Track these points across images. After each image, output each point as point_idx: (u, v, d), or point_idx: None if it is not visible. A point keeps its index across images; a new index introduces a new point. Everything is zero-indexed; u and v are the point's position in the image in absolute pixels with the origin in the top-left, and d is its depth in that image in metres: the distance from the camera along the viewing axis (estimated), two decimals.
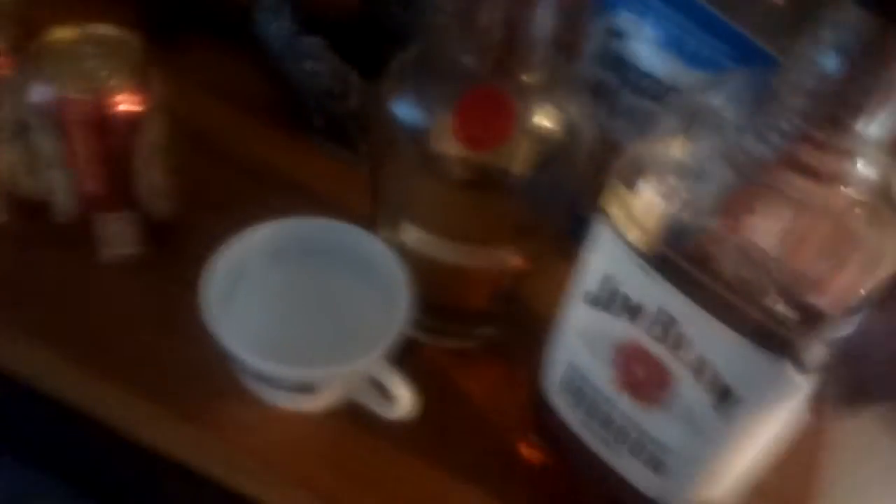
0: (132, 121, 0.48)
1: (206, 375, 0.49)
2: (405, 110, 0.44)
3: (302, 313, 0.50)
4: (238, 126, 0.64)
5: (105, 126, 0.48)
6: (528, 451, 0.48)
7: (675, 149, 0.35)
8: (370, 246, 0.49)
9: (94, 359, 0.50)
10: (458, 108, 0.41)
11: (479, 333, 0.54)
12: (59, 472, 0.70)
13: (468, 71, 0.41)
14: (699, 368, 0.35)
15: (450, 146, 0.43)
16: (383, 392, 0.46)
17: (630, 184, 0.35)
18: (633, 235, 0.35)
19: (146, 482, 0.61)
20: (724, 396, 0.34)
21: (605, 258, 0.37)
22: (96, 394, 0.50)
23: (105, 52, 0.48)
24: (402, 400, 0.45)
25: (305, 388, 0.46)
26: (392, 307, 0.47)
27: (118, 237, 0.53)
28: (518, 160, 0.43)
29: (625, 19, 0.48)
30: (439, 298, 0.50)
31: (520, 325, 0.53)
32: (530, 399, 0.46)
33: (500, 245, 0.47)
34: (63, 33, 0.48)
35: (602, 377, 0.40)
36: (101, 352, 0.50)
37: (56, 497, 0.74)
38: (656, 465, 0.39)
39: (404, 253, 0.48)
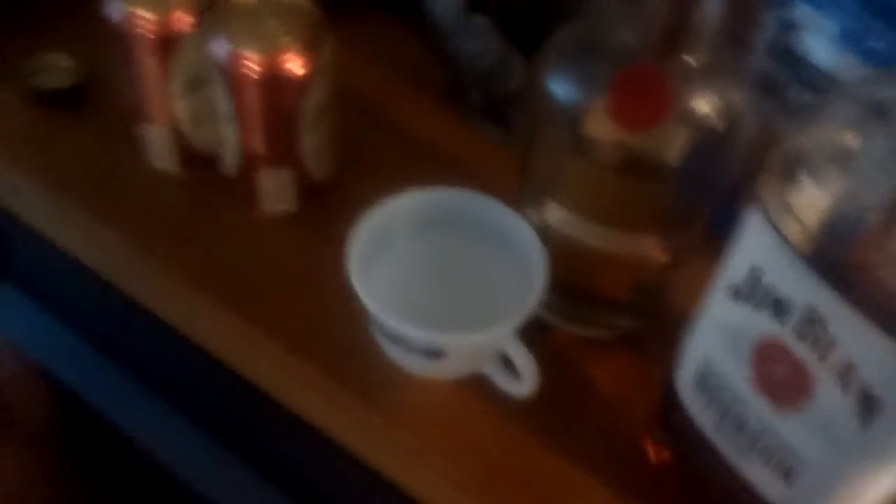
0: (300, 82, 0.50)
1: (346, 335, 0.51)
2: (561, 88, 0.44)
3: (439, 281, 0.51)
4: (399, 97, 0.66)
5: (273, 85, 0.50)
6: (654, 448, 0.47)
7: (845, 141, 0.33)
8: (512, 222, 0.49)
9: (241, 305, 0.52)
10: (614, 86, 0.40)
11: (613, 323, 0.53)
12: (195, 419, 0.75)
13: (628, 49, 0.41)
14: (845, 374, 0.33)
15: (603, 128, 0.43)
16: (510, 367, 0.46)
17: (790, 175, 0.34)
18: (789, 228, 0.34)
19: (272, 428, 0.64)
20: (871, 408, 0.32)
21: (755, 250, 0.36)
22: (239, 341, 0.53)
23: (283, 16, 0.51)
24: (529, 376, 0.45)
25: (435, 353, 0.46)
26: (527, 284, 0.47)
27: (278, 193, 0.56)
28: (672, 147, 0.42)
29: (801, 11, 0.46)
30: (576, 283, 0.49)
31: (656, 319, 0.52)
32: (660, 394, 0.45)
33: (644, 233, 0.46)
34: None
35: (738, 376, 0.38)
36: (249, 299, 0.53)
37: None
38: (787, 474, 0.37)
39: (546, 233, 0.48)
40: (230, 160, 0.55)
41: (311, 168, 0.55)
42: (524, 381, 0.45)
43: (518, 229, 0.49)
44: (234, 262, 0.55)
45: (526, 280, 0.47)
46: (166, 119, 0.55)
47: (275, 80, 0.50)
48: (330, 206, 0.57)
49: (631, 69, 0.40)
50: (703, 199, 0.46)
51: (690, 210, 0.46)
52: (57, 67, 0.62)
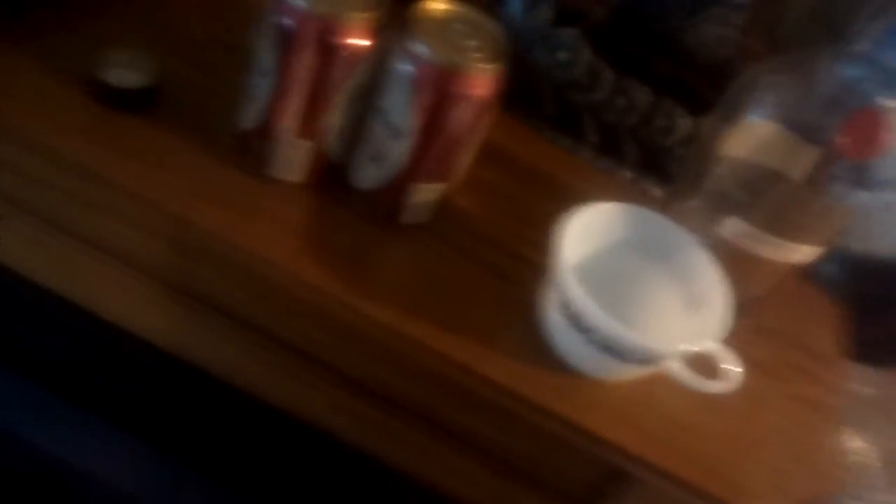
0: (487, 103, 0.50)
1: (501, 339, 0.53)
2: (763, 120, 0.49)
3: (609, 291, 0.54)
4: None
5: (465, 102, 0.49)
6: None
7: None
8: (678, 238, 0.54)
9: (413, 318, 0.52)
10: (850, 124, 0.47)
11: None
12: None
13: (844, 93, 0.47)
14: None
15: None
16: (705, 369, 0.51)
17: None
18: None
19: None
20: None
21: None
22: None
23: (473, 32, 0.50)
24: (734, 377, 0.50)
25: (646, 361, 0.50)
26: (692, 295, 0.52)
27: (422, 207, 0.54)
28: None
29: None
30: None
31: None
32: None
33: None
34: (436, 5, 0.49)
35: None
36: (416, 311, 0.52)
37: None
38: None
39: (718, 246, 0.53)
40: (376, 174, 0.53)
41: (455, 184, 0.55)
42: (727, 382, 0.51)
43: (683, 244, 0.54)
44: (372, 273, 0.54)
45: (687, 289, 0.52)
46: (313, 131, 0.51)
47: (466, 99, 0.49)
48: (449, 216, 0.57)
49: (863, 111, 0.47)
50: None
51: None
52: (130, 65, 0.54)
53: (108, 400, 0.78)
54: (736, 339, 0.51)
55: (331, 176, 0.55)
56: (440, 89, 0.48)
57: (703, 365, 0.51)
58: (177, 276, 0.57)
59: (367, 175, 0.53)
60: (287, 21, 0.46)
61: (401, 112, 0.49)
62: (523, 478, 0.62)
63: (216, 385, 0.65)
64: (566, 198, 0.54)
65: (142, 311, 0.62)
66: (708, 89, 0.61)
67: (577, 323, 0.49)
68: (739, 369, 0.50)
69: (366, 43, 0.48)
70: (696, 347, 0.49)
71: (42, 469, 0.87)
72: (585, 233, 0.53)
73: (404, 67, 0.48)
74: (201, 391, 0.68)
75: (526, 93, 0.66)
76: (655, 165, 0.65)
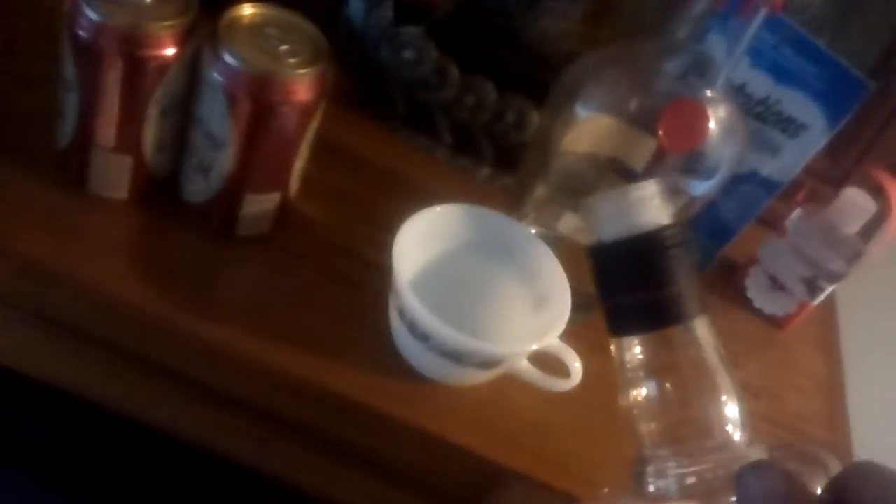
0: (310, 107, 0.49)
1: (351, 350, 0.51)
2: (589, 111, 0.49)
3: (453, 295, 0.53)
4: None
5: (284, 109, 0.48)
6: None
7: None
8: (519, 235, 0.53)
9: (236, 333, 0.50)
10: (666, 114, 0.47)
11: None
12: None
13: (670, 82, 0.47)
14: None
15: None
16: (550, 367, 0.51)
17: None
18: None
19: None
20: None
21: None
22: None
23: (288, 36, 0.48)
24: (577, 374, 0.50)
25: (488, 365, 0.49)
26: (536, 293, 0.51)
27: (257, 219, 0.53)
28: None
29: None
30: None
31: None
32: None
33: None
34: (247, 10, 0.48)
35: None
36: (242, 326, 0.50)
37: None
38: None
39: (557, 242, 0.53)
40: (205, 186, 0.51)
41: (292, 193, 0.53)
42: (573, 378, 0.50)
43: (526, 242, 0.53)
44: (217, 290, 0.52)
45: (531, 288, 0.52)
46: (130, 145, 0.49)
47: (283, 104, 0.48)
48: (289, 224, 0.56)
49: (679, 101, 0.47)
50: None
51: None
52: None
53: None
54: (587, 331, 0.50)
55: (159, 191, 0.52)
56: (256, 97, 0.46)
57: (551, 363, 0.51)
58: (29, 301, 0.54)
59: (196, 188, 0.51)
60: (83, 34, 0.44)
61: (219, 122, 0.48)
62: (411, 484, 0.61)
63: (92, 411, 0.62)
64: (422, 199, 0.53)
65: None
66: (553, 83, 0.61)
67: (415, 330, 0.48)
68: (579, 365, 0.50)
69: (171, 52, 0.46)
70: (532, 347, 0.49)
71: None
72: (428, 236, 0.52)
73: (216, 77, 0.46)
74: (78, 416, 0.66)
75: (376, 94, 0.64)
76: (512, 162, 0.64)
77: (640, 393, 0.35)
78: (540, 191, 0.57)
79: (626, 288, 0.35)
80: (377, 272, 0.56)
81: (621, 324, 0.35)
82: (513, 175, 0.65)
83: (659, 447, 0.34)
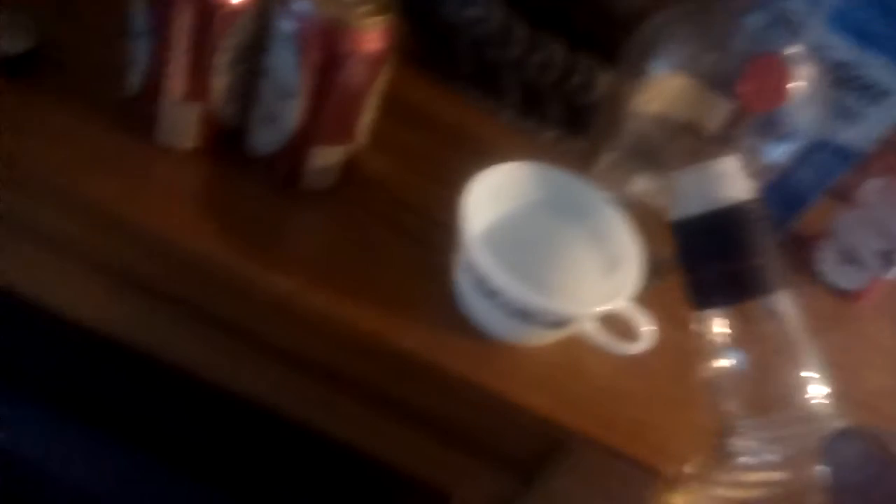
0: (380, 58, 0.48)
1: (416, 306, 0.51)
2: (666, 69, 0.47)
3: (521, 254, 0.52)
4: None
5: (354, 58, 0.47)
6: None
7: None
8: (591, 195, 0.52)
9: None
10: (748, 72, 0.45)
11: None
12: None
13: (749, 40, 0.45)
14: None
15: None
16: (618, 331, 0.49)
17: None
18: None
19: None
20: None
21: None
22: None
23: None
24: (647, 337, 0.49)
25: (557, 325, 0.48)
26: (608, 254, 0.50)
27: (324, 171, 0.52)
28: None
29: None
30: None
31: None
32: None
33: None
34: None
35: None
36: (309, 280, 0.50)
37: None
38: None
39: (629, 205, 0.51)
40: (273, 137, 0.50)
41: (359, 147, 0.53)
42: (642, 341, 0.49)
43: (598, 204, 0.52)
44: (278, 243, 0.51)
45: (602, 250, 0.51)
46: (199, 94, 0.49)
47: (355, 55, 0.47)
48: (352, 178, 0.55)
49: (762, 57, 0.45)
50: None
51: None
52: (7, 28, 0.51)
53: (46, 386, 0.76)
54: (659, 299, 0.49)
55: (227, 141, 0.52)
56: (326, 47, 0.45)
57: (620, 326, 0.49)
58: (93, 253, 0.54)
59: (263, 139, 0.51)
60: None
61: (288, 72, 0.47)
62: (468, 446, 0.60)
63: (152, 364, 0.62)
64: (487, 158, 0.52)
65: (64, 291, 0.60)
66: (627, 43, 0.59)
67: (483, 287, 0.47)
68: (653, 328, 0.48)
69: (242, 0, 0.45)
70: (605, 307, 0.48)
71: None
72: (497, 194, 0.51)
73: (287, 25, 0.45)
74: (140, 372, 0.66)
75: (441, 52, 0.63)
76: (579, 123, 0.63)
77: (723, 365, 0.35)
78: (610, 153, 0.55)
79: (711, 261, 0.35)
80: (443, 230, 0.55)
81: (705, 297, 0.35)
82: (579, 137, 0.63)
83: (743, 418, 0.34)
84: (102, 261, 0.54)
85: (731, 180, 0.35)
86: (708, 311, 0.35)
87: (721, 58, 0.49)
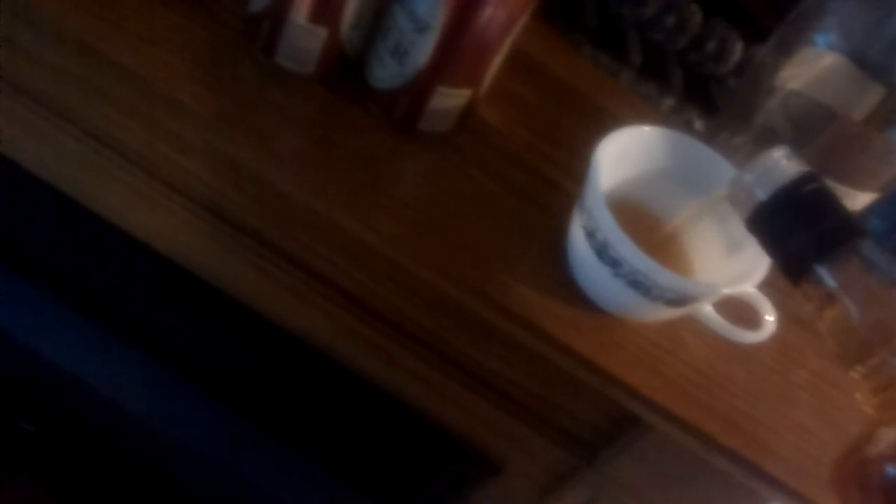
0: (521, 1, 0.45)
1: (521, 266, 0.48)
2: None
3: (643, 228, 0.49)
4: None
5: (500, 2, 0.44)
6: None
7: None
8: (721, 170, 0.49)
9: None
10: None
11: None
12: None
13: None
14: None
15: None
16: (736, 316, 0.47)
17: None
18: None
19: None
20: None
21: None
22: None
23: None
24: (768, 327, 0.46)
25: (676, 302, 0.45)
26: (738, 236, 0.47)
27: (444, 115, 0.50)
28: None
29: None
30: None
31: None
32: None
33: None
34: None
35: None
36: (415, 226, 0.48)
37: None
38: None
39: None
40: (397, 71, 0.48)
41: (481, 95, 0.50)
42: (763, 330, 0.46)
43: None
44: (383, 185, 0.49)
45: (726, 229, 0.48)
46: (327, 17, 0.46)
47: None
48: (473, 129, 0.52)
49: None
50: None
51: None
52: None
53: (104, 304, 0.75)
54: (774, 290, 0.46)
55: (346, 72, 0.50)
56: None
57: (735, 312, 0.47)
58: (172, 174, 0.53)
59: (386, 73, 0.48)
60: None
61: (429, 3, 0.44)
62: (528, 416, 0.59)
63: (217, 298, 0.61)
64: (602, 122, 0.49)
65: (141, 212, 0.58)
66: (767, 14, 0.55)
67: (605, 253, 0.44)
68: (773, 319, 0.46)
69: None
70: (732, 291, 0.45)
71: (38, 375, 0.84)
72: (623, 157, 0.48)
73: None
74: (204, 303, 0.65)
75: (566, 4, 0.60)
76: (702, 95, 0.59)
77: (838, 313, 0.37)
78: (741, 131, 0.52)
79: (795, 232, 0.38)
80: (555, 191, 0.53)
81: (803, 264, 0.38)
82: (701, 110, 0.60)
83: (873, 354, 0.36)
84: (186, 184, 0.53)
85: (788, 160, 0.39)
86: (809, 277, 0.38)
87: (882, 40, 0.46)
